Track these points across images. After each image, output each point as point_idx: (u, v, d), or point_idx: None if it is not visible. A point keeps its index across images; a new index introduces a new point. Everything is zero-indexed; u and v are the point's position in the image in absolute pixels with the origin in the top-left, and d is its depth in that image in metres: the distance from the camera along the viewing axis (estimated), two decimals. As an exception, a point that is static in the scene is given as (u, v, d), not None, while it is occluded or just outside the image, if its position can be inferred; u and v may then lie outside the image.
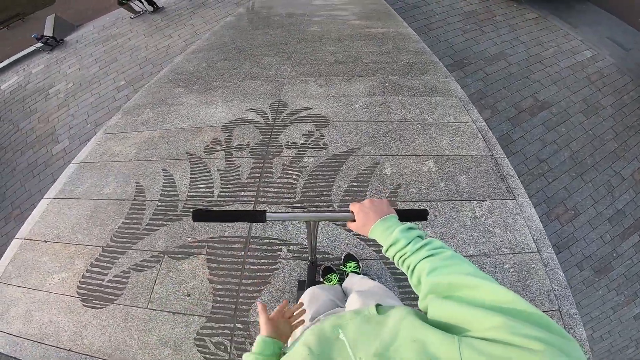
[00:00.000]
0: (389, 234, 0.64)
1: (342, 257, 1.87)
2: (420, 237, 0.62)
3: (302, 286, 1.71)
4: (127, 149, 2.73)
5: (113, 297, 1.87)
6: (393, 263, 1.79)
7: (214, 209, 0.85)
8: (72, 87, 6.71)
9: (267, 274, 1.85)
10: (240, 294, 1.81)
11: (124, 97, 6.12)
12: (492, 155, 2.33)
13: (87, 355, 1.71)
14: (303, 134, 2.57)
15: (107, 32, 7.87)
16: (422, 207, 0.80)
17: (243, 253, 1.95)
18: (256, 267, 1.89)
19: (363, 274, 1.78)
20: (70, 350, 1.73)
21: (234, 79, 3.38)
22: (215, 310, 1.77)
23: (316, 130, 2.59)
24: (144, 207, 2.28)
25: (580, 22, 6.70)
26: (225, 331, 1.70)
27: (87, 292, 1.91)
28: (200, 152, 2.56)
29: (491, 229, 1.94)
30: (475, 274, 0.46)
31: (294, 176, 2.27)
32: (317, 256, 1.76)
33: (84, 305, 1.87)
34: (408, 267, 0.59)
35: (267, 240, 1.98)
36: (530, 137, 5.07)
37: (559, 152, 4.94)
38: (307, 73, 3.29)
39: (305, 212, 0.87)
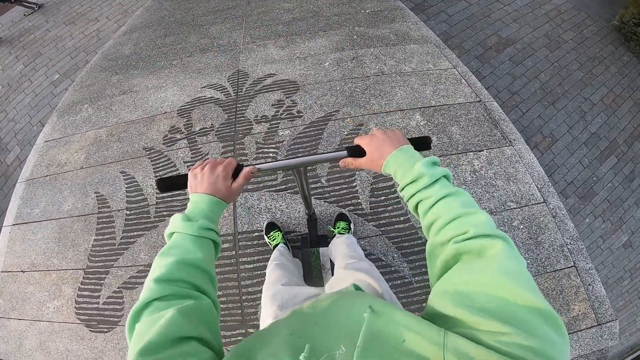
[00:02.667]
0: (408, 168, 0.54)
1: (334, 218, 1.74)
2: (446, 177, 0.53)
3: (305, 244, 1.54)
4: (75, 156, 2.34)
5: (116, 319, 1.73)
6: (398, 239, 1.68)
7: (181, 173, 0.68)
8: (0, 89, 5.91)
9: (265, 270, 1.67)
10: (243, 297, 1.64)
11: (64, 91, 5.48)
12: (480, 101, 2.18)
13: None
14: (272, 105, 2.28)
15: (19, 27, 6.81)
16: (424, 135, 0.74)
17: (234, 252, 1.75)
18: (252, 265, 1.71)
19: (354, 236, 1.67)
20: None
21: (180, 55, 2.94)
22: (222, 319, 1.60)
23: (286, 97, 2.31)
24: (112, 218, 2.00)
25: (532, -41, 6.58)
26: (238, 338, 1.56)
27: (87, 317, 1.76)
28: (159, 144, 2.22)
29: (493, 182, 1.83)
30: (507, 272, 0.37)
31: (270, 154, 2.03)
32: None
33: (90, 330, 1.73)
34: (425, 214, 0.50)
35: (256, 234, 1.78)
36: (500, 72, 5.11)
37: (528, 84, 5.05)
38: (264, 36, 2.91)
39: (289, 159, 0.69)
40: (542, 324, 0.31)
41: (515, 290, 0.33)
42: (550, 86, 5.05)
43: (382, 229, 1.75)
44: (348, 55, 2.54)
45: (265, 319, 0.78)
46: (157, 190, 0.67)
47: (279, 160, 0.67)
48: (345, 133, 2.05)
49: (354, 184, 1.86)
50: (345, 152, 0.64)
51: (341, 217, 1.73)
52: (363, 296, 0.48)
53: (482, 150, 1.95)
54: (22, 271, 1.96)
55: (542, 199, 1.78)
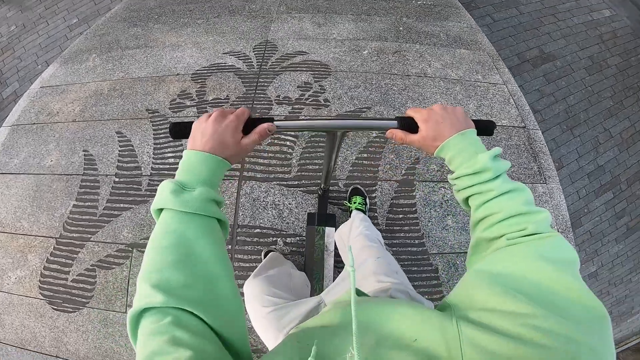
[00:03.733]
0: (469, 157, 0.48)
1: (348, 192, 1.61)
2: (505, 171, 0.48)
3: (312, 220, 1.40)
4: (69, 106, 2.11)
5: (84, 300, 1.56)
6: (409, 262, 1.50)
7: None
8: (15, 29, 5.72)
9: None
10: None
11: (78, 35, 5.28)
12: (524, 127, 1.93)
13: (77, 362, 1.48)
14: (298, 86, 2.03)
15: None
16: (489, 119, 0.63)
17: (230, 247, 1.54)
18: (248, 265, 1.50)
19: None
20: (57, 357, 1.52)
21: (206, 14, 2.66)
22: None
23: (314, 81, 2.05)
24: (97, 184, 1.78)
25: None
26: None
27: (51, 293, 1.60)
28: (165, 108, 1.99)
29: (515, 219, 1.64)
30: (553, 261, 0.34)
31: (287, 142, 1.79)
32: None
33: (53, 308, 1.56)
34: (479, 207, 0.46)
35: (257, 230, 1.57)
36: (529, 87, 4.91)
37: (554, 104, 4.88)
38: (301, 8, 2.62)
39: (326, 120, 0.63)
40: (582, 312, 0.29)
41: (557, 276, 0.32)
42: (575, 110, 4.86)
43: (395, 249, 1.56)
44: (390, 47, 2.27)
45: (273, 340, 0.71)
46: (170, 136, 0.49)
47: (311, 120, 0.53)
48: (374, 135, 1.80)
49: (374, 195, 1.64)
50: (395, 122, 0.56)
51: (356, 191, 1.60)
52: (367, 301, 0.44)
53: (514, 184, 1.75)
54: (-14, 230, 1.76)
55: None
